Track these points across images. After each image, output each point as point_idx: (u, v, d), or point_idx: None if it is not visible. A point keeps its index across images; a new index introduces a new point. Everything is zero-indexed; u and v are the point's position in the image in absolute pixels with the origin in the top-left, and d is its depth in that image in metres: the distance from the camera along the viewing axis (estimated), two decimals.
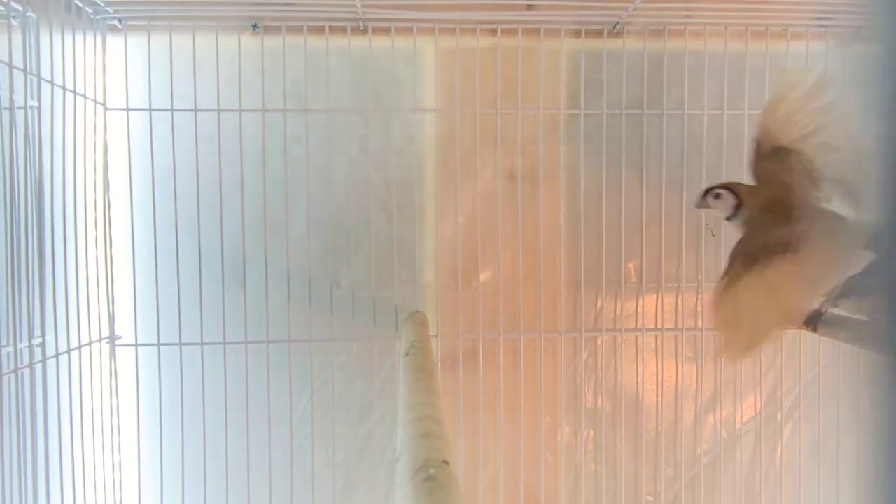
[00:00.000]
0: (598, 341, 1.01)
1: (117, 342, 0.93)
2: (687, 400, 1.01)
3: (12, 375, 0.70)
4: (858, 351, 0.85)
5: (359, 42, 0.94)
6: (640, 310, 1.00)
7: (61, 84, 0.80)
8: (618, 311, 1.00)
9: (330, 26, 0.92)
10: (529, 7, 0.92)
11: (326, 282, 0.96)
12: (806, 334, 0.98)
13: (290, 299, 0.94)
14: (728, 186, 0.73)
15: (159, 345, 0.92)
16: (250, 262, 0.94)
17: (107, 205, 0.91)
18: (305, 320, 0.94)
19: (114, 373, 0.92)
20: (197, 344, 0.92)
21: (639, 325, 1.00)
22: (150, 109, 0.90)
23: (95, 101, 0.89)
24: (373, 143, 0.96)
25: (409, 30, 0.94)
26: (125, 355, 0.93)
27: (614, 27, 0.96)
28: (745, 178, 0.99)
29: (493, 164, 0.97)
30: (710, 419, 1.03)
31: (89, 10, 0.87)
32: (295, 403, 0.96)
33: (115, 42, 0.91)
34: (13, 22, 0.74)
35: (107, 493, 0.89)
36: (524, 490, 0.98)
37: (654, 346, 1.01)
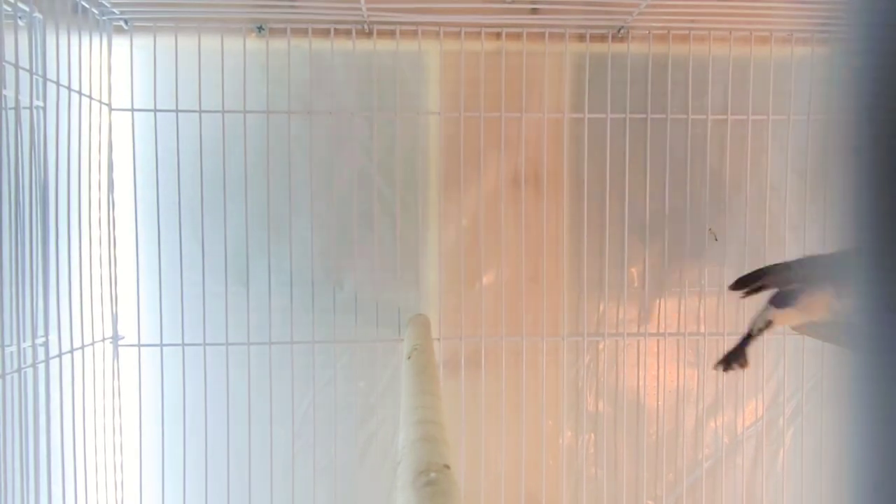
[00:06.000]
0: (601, 345, 1.00)
1: (120, 342, 0.93)
2: (688, 404, 1.01)
3: (15, 375, 0.71)
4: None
5: (363, 45, 0.94)
6: (642, 314, 1.00)
7: (67, 84, 0.80)
8: (620, 316, 1.00)
9: (335, 29, 0.93)
10: (534, 11, 0.92)
11: (329, 284, 0.96)
12: (809, 339, 0.98)
13: (293, 301, 0.94)
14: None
15: (162, 345, 0.93)
16: (253, 264, 0.94)
17: (111, 205, 0.91)
18: (308, 322, 0.95)
19: (116, 373, 0.92)
20: (199, 345, 0.92)
21: (641, 330, 1.00)
22: (155, 110, 0.91)
23: (100, 101, 0.89)
24: (377, 146, 0.96)
25: (414, 33, 0.94)
26: (128, 355, 0.93)
27: (619, 31, 0.96)
28: (747, 183, 0.99)
29: (496, 167, 0.97)
30: (712, 424, 1.02)
31: (95, 11, 0.87)
32: (297, 405, 0.96)
33: (120, 43, 0.91)
34: (19, 22, 0.74)
35: (108, 493, 0.89)
36: (526, 494, 0.98)
37: (656, 350, 1.01)
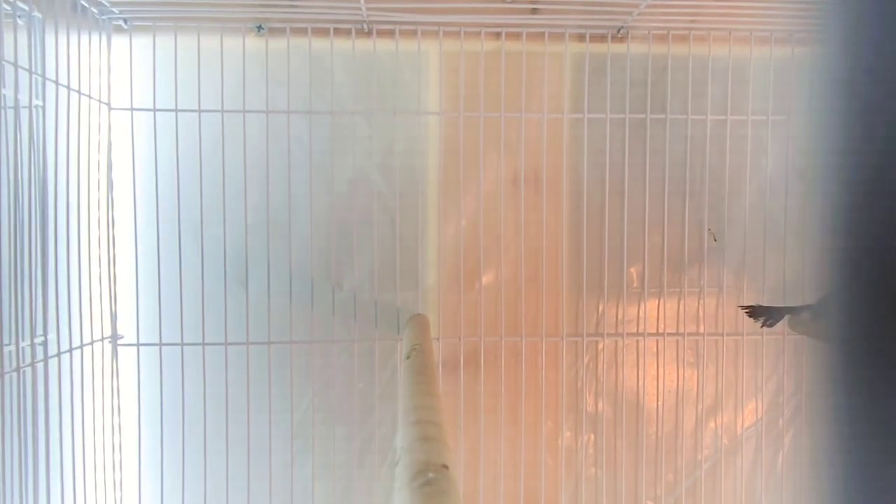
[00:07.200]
0: (600, 345, 1.00)
1: (119, 341, 0.93)
2: (688, 405, 1.01)
3: (14, 374, 0.71)
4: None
5: (363, 44, 0.94)
6: (641, 314, 1.00)
7: (66, 84, 0.80)
8: (619, 316, 1.00)
9: (334, 28, 0.92)
10: (534, 11, 0.92)
11: (328, 283, 0.96)
12: (809, 340, 0.98)
13: (292, 301, 0.94)
14: None
15: (161, 345, 0.93)
16: (252, 263, 0.94)
17: (110, 204, 0.91)
18: (307, 322, 0.95)
19: (115, 372, 0.92)
20: (198, 344, 0.92)
21: (640, 330, 1.00)
22: (155, 110, 0.91)
23: (100, 100, 0.89)
24: (376, 146, 0.96)
25: (414, 33, 0.94)
26: (127, 355, 0.93)
27: (618, 31, 0.96)
28: (747, 183, 0.99)
29: (496, 167, 0.97)
30: (712, 424, 1.02)
31: (95, 11, 0.87)
32: (296, 405, 0.96)
33: (120, 42, 0.91)
34: (19, 21, 0.74)
35: (107, 492, 0.89)
36: (524, 494, 0.98)
37: (655, 350, 1.01)
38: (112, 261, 0.91)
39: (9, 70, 0.70)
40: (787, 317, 0.97)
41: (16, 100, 0.70)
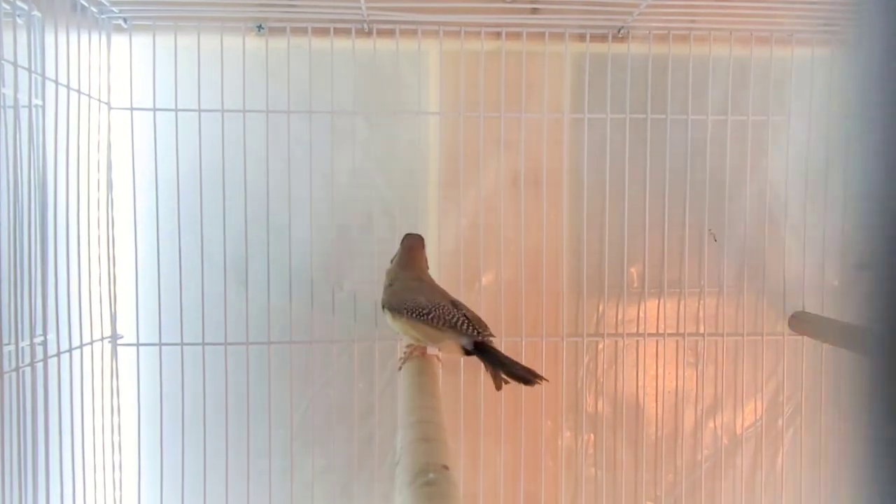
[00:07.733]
0: (600, 346, 1.00)
1: (119, 341, 0.93)
2: (688, 405, 1.01)
3: (13, 374, 0.70)
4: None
5: (363, 44, 0.94)
6: (641, 315, 1.00)
7: (66, 83, 0.80)
8: (619, 316, 1.00)
9: (334, 28, 0.92)
10: (534, 11, 0.92)
11: (328, 283, 0.96)
12: (808, 340, 0.98)
13: (292, 300, 0.94)
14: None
15: (161, 345, 0.92)
16: (252, 263, 0.94)
17: (110, 204, 0.91)
18: (307, 322, 0.94)
19: (115, 372, 0.92)
20: (198, 344, 0.92)
21: (640, 331, 1.00)
22: (154, 109, 0.91)
23: (100, 100, 0.89)
24: (376, 146, 0.96)
25: (414, 32, 0.94)
26: (127, 355, 0.93)
27: (619, 31, 0.95)
28: (747, 184, 0.99)
29: (496, 167, 0.97)
30: (711, 425, 1.02)
31: (94, 10, 0.87)
32: (296, 405, 0.95)
33: (119, 42, 0.91)
34: (18, 21, 0.74)
35: (107, 492, 0.89)
36: (524, 494, 0.98)
37: (655, 351, 1.01)
38: (112, 261, 0.91)
39: (8, 69, 0.70)
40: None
41: (15, 99, 0.70)
